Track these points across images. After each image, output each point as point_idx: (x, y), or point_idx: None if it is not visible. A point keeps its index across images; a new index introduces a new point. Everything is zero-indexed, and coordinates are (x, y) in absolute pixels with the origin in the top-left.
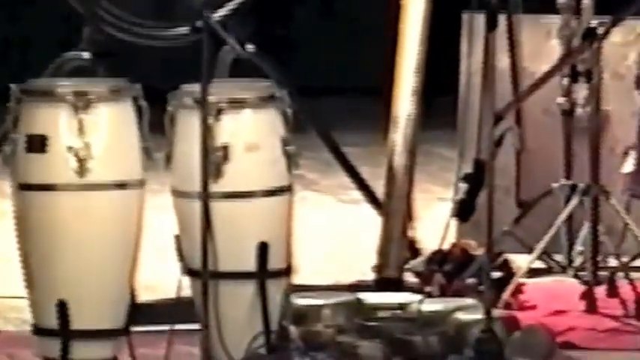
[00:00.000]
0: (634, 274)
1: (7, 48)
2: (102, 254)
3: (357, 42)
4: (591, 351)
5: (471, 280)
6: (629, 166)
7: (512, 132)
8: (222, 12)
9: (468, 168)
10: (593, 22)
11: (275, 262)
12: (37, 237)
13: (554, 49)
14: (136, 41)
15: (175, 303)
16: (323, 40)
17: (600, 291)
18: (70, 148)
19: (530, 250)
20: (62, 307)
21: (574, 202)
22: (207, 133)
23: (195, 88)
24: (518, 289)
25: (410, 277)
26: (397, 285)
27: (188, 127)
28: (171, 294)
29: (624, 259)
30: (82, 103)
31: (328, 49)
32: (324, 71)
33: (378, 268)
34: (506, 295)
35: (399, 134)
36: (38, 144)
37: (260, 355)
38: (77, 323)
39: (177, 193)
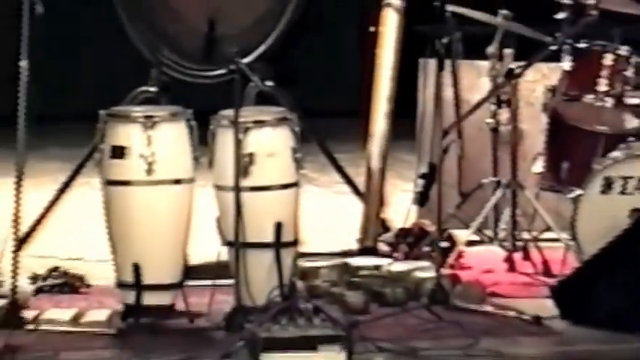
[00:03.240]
0: (541, 244)
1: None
2: (164, 230)
3: (340, 71)
4: (511, 299)
5: (426, 249)
6: (537, 167)
7: (455, 143)
8: (249, 58)
9: (423, 168)
10: (512, 66)
11: (287, 236)
12: (119, 219)
13: (485, 85)
14: (187, 79)
15: (216, 265)
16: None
17: (518, 256)
18: (141, 155)
19: (467, 227)
20: (136, 268)
21: (499, 193)
22: (238, 144)
23: (230, 112)
24: (459, 255)
25: (383, 247)
26: (373, 252)
27: (224, 140)
28: (212, 259)
29: (534, 234)
30: (150, 123)
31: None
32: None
33: (360, 241)
34: (450, 259)
35: (375, 145)
36: (119, 152)
37: (276, 302)
38: (147, 279)
39: (218, 187)
